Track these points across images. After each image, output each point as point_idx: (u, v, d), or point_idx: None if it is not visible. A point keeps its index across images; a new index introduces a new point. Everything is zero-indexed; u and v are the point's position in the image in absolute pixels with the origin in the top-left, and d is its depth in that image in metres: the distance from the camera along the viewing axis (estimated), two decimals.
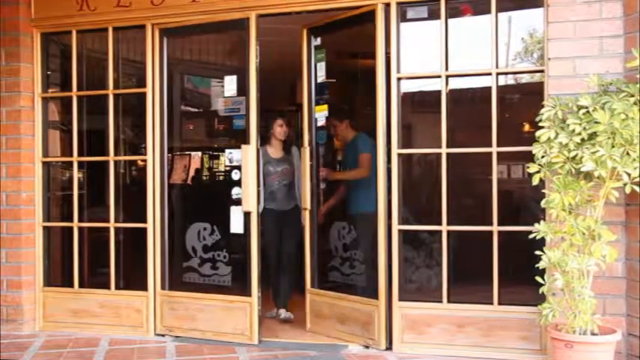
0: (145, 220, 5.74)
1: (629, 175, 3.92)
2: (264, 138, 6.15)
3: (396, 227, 5.07)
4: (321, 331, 5.62)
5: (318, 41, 5.74)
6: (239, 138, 5.45)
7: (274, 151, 6.34)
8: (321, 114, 5.78)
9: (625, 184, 3.97)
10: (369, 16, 5.16)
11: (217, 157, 6.16)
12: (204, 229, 5.65)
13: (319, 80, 5.74)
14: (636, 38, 4.34)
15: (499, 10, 4.88)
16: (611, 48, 4.50)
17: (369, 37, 5.17)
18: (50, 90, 6.18)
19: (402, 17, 5.12)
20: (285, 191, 6.29)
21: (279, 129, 6.31)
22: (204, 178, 6.32)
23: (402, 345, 5.07)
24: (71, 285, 5.98)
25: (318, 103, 5.76)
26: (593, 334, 4.07)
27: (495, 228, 4.87)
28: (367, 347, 5.20)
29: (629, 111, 3.92)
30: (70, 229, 6.00)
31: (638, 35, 4.33)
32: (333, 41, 5.76)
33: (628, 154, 3.91)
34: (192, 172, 6.25)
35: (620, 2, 4.50)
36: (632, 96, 4.02)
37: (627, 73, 4.37)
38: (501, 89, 4.99)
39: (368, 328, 5.21)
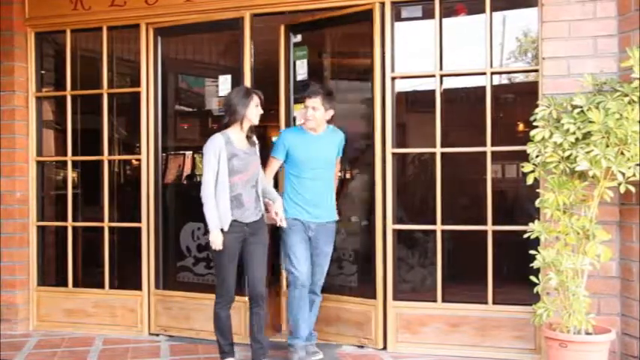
0: (139, 220, 5.73)
1: (623, 174, 3.92)
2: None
3: (390, 227, 5.07)
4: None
5: (298, 38, 5.61)
6: None
7: (240, 140, 4.54)
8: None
9: (619, 184, 3.97)
10: (365, 16, 5.16)
11: None
12: (199, 228, 5.63)
13: (299, 78, 5.59)
14: (630, 38, 4.35)
15: (493, 9, 4.89)
16: (605, 47, 4.51)
17: (363, 37, 5.17)
18: (44, 89, 6.17)
19: (397, 17, 5.13)
20: (253, 196, 4.57)
21: (256, 110, 4.54)
22: (199, 177, 6.30)
23: (396, 344, 5.07)
24: (65, 284, 5.97)
25: (298, 102, 5.54)
26: (587, 333, 4.08)
27: (490, 227, 4.87)
28: (361, 347, 5.19)
29: (623, 110, 3.92)
30: (64, 228, 5.99)
31: (633, 35, 4.34)
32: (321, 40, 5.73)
33: (622, 153, 3.91)
34: (186, 172, 6.25)
35: (614, 2, 4.50)
36: (627, 95, 4.02)
37: (621, 72, 4.37)
38: (496, 89, 5.00)
39: (363, 328, 5.20)
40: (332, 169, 4.98)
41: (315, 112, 4.79)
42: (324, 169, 4.89)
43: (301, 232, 4.82)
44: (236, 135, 4.52)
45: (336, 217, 4.99)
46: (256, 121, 4.56)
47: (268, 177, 4.91)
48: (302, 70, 5.57)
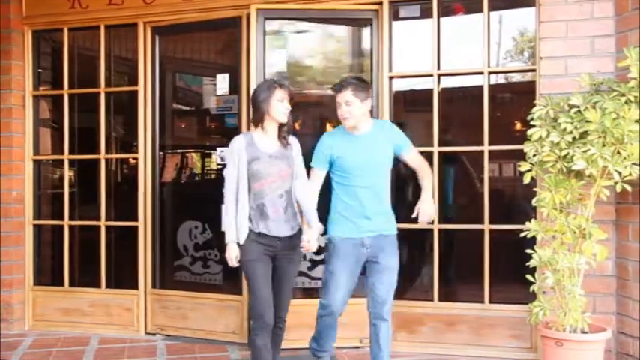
0: (136, 219, 5.72)
1: (619, 173, 3.94)
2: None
3: None
4: None
5: (273, 26, 5.31)
6: (231, 136, 5.39)
7: (266, 141, 3.98)
8: None
9: (616, 183, 3.98)
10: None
11: (209, 156, 6.14)
12: (196, 227, 5.63)
13: (274, 70, 5.28)
14: (627, 38, 4.37)
15: (491, 9, 4.91)
16: (602, 47, 4.53)
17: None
18: (41, 88, 6.16)
19: (395, 16, 5.14)
20: (283, 205, 3.96)
21: (280, 106, 3.94)
22: (196, 176, 6.31)
23: (393, 343, 5.05)
24: (61, 284, 5.95)
25: None
26: (583, 332, 4.09)
27: (487, 226, 4.89)
28: (357, 347, 5.18)
29: (620, 110, 3.94)
30: (61, 227, 5.98)
31: (630, 35, 4.36)
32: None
33: (619, 152, 3.93)
34: (183, 171, 6.25)
35: (612, 2, 4.53)
36: (623, 95, 4.04)
37: (618, 72, 4.39)
38: (493, 88, 5.02)
39: (362, 328, 5.18)
40: (386, 174, 4.19)
41: (349, 107, 4.03)
42: (377, 175, 4.11)
43: (350, 257, 4.08)
44: (261, 135, 3.98)
45: (395, 231, 4.23)
46: (282, 119, 3.95)
47: (313, 191, 4.16)
48: (279, 62, 5.34)
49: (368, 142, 4.10)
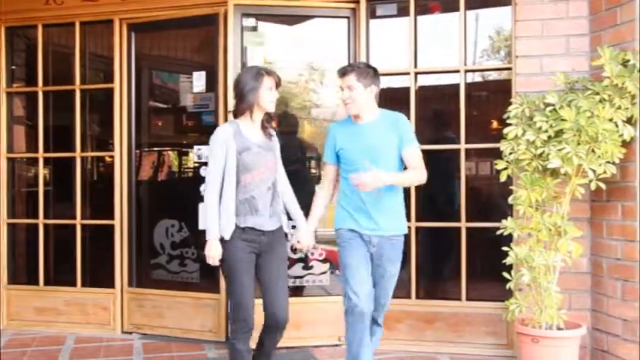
0: (112, 217, 5.68)
1: (594, 171, 3.98)
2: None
3: None
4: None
5: (251, 22, 5.24)
6: (208, 134, 5.35)
7: (253, 131, 3.78)
8: None
9: (590, 181, 4.03)
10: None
11: (186, 154, 6.10)
12: (172, 225, 5.60)
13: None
14: (601, 37, 4.41)
15: (467, 7, 4.94)
16: (577, 46, 4.57)
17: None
18: (15, 85, 6.09)
19: (372, 14, 5.15)
20: (269, 199, 3.76)
21: (270, 94, 3.75)
22: (173, 174, 6.26)
23: None
24: (36, 283, 5.89)
25: None
26: (558, 328, 4.12)
27: (463, 224, 4.92)
28: (336, 345, 5.19)
29: (594, 109, 3.97)
30: (36, 225, 5.91)
31: (604, 34, 4.40)
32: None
33: (593, 151, 3.97)
34: (160, 169, 6.20)
35: (586, 1, 4.57)
36: (598, 94, 4.08)
37: (593, 71, 4.43)
38: (470, 86, 5.04)
39: (340, 325, 5.18)
40: (391, 167, 3.83)
41: (352, 92, 3.81)
42: (379, 168, 3.71)
43: (360, 247, 3.86)
44: (248, 125, 3.74)
45: (405, 230, 4.03)
46: (271, 108, 3.76)
47: (323, 187, 4.07)
48: (256, 59, 5.24)
49: (370, 132, 3.86)
